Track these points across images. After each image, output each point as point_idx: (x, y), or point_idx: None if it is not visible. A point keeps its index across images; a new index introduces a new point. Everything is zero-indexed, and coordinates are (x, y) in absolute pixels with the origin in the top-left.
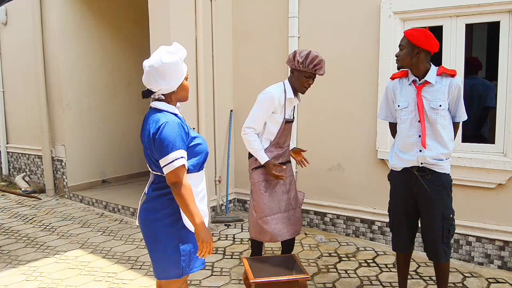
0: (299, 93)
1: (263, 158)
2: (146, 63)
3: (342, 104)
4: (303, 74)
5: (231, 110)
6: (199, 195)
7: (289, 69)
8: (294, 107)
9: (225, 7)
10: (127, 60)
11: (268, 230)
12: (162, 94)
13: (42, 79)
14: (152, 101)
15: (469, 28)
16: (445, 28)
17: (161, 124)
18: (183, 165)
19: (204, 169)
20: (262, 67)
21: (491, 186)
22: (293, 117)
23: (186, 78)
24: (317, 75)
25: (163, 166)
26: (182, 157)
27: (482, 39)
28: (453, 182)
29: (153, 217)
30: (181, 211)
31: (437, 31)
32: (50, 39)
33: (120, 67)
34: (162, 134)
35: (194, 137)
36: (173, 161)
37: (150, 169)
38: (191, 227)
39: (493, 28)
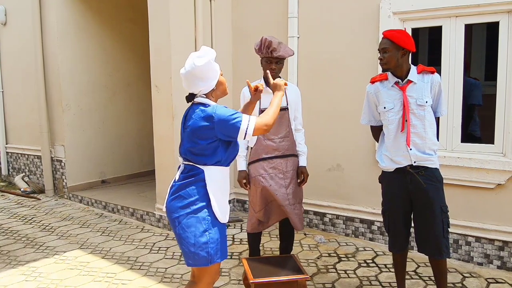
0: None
1: (239, 166)
2: (182, 71)
3: (342, 104)
4: (264, 60)
5: None
6: (225, 188)
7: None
8: (287, 98)
9: (225, 7)
10: (127, 60)
11: (251, 220)
12: (204, 94)
13: (41, 79)
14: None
15: (469, 28)
16: (444, 28)
17: (212, 111)
18: (257, 122)
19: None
20: None
21: (490, 186)
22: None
23: (221, 74)
24: (281, 58)
25: (244, 138)
26: (249, 120)
27: (482, 39)
28: (453, 182)
29: (182, 204)
30: (210, 199)
31: (436, 31)
32: (50, 39)
33: (120, 67)
34: (220, 116)
35: None
36: (247, 128)
37: (181, 159)
38: (219, 216)
39: (492, 28)
